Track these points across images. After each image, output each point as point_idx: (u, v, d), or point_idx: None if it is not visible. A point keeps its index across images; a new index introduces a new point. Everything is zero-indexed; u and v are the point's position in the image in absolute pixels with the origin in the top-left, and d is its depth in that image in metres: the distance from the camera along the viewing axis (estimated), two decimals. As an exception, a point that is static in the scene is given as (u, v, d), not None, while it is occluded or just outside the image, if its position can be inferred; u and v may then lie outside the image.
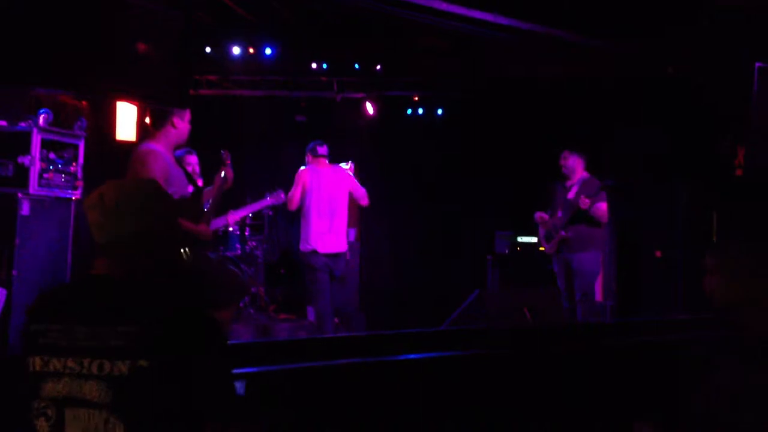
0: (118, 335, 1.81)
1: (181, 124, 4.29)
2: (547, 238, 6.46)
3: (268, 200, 6.43)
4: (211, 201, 4.66)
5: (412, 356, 3.44)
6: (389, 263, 9.12)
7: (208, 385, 1.83)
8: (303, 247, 6.15)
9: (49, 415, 1.83)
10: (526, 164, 7.92)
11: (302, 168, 6.26)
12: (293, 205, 6.16)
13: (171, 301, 1.89)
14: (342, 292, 6.38)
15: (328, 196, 6.16)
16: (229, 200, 6.04)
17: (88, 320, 1.85)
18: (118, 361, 1.79)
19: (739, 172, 5.77)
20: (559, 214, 6.32)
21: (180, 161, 4.87)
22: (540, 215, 6.47)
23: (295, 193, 6.14)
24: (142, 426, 1.79)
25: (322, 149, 6.23)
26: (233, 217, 6.43)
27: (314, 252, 6.07)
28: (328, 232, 6.12)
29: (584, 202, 6.03)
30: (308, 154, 6.27)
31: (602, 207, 6.13)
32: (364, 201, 6.34)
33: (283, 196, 6.36)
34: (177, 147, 4.45)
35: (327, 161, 6.28)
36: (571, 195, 6.22)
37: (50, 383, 1.84)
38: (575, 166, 6.36)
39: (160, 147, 4.21)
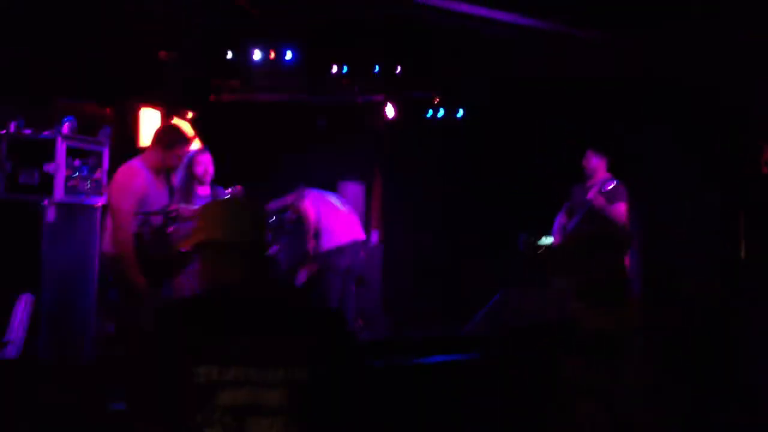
0: (295, 344, 1.90)
1: (172, 158, 4.37)
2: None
3: (289, 198, 6.48)
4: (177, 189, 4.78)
5: (434, 359, 3.43)
6: (412, 264, 9.09)
7: (356, 387, 1.98)
8: (327, 244, 6.35)
9: (227, 423, 1.85)
10: (551, 164, 7.85)
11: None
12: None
13: (324, 308, 2.09)
14: (365, 293, 6.41)
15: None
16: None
17: (263, 330, 1.91)
18: (298, 368, 1.87)
19: (765, 170, 5.70)
20: (577, 215, 6.13)
21: (191, 161, 4.97)
22: (560, 220, 6.34)
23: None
24: (320, 427, 1.88)
25: None
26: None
27: (338, 250, 6.19)
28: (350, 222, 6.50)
29: (598, 200, 5.86)
30: None
31: (620, 208, 5.87)
32: None
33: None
34: (159, 171, 4.51)
35: None
36: (590, 195, 6.03)
37: (228, 392, 1.86)
38: (597, 167, 6.16)
39: (143, 164, 4.30)
